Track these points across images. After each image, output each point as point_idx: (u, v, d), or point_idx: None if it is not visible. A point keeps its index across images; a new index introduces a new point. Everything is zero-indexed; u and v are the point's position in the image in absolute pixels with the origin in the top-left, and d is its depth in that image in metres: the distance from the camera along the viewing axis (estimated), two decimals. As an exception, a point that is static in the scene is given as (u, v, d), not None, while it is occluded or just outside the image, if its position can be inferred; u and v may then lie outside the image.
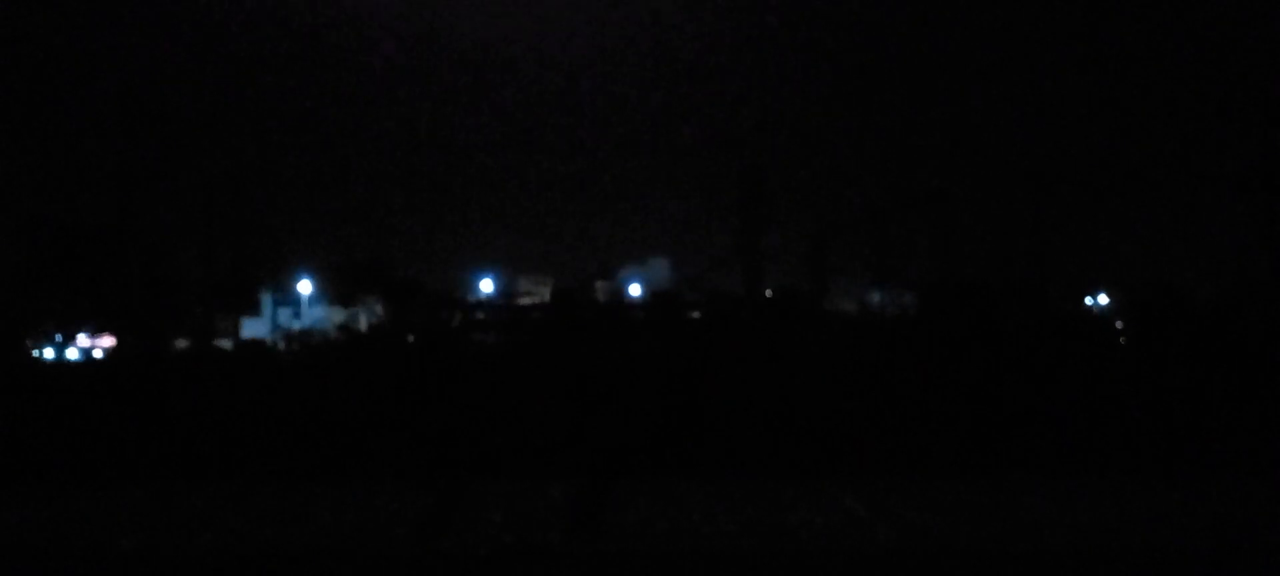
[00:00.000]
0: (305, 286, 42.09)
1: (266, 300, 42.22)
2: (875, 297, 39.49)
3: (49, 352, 39.30)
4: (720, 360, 30.40)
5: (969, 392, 28.49)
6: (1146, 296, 35.65)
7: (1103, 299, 39.47)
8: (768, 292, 41.46)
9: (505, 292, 43.85)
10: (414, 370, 30.92)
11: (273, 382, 32.86)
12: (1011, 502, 22.49)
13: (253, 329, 41.55)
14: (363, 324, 39.25)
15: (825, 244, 40.57)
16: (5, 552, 19.34)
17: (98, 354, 39.75)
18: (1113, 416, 27.60)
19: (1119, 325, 37.01)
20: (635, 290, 43.27)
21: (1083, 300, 39.06)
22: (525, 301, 42.86)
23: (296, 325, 40.85)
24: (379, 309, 39.29)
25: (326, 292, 42.18)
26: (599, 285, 43.89)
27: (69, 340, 39.73)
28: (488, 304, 42.17)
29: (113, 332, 39.41)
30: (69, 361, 39.38)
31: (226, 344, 40.33)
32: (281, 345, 39.25)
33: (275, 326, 41.39)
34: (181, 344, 38.84)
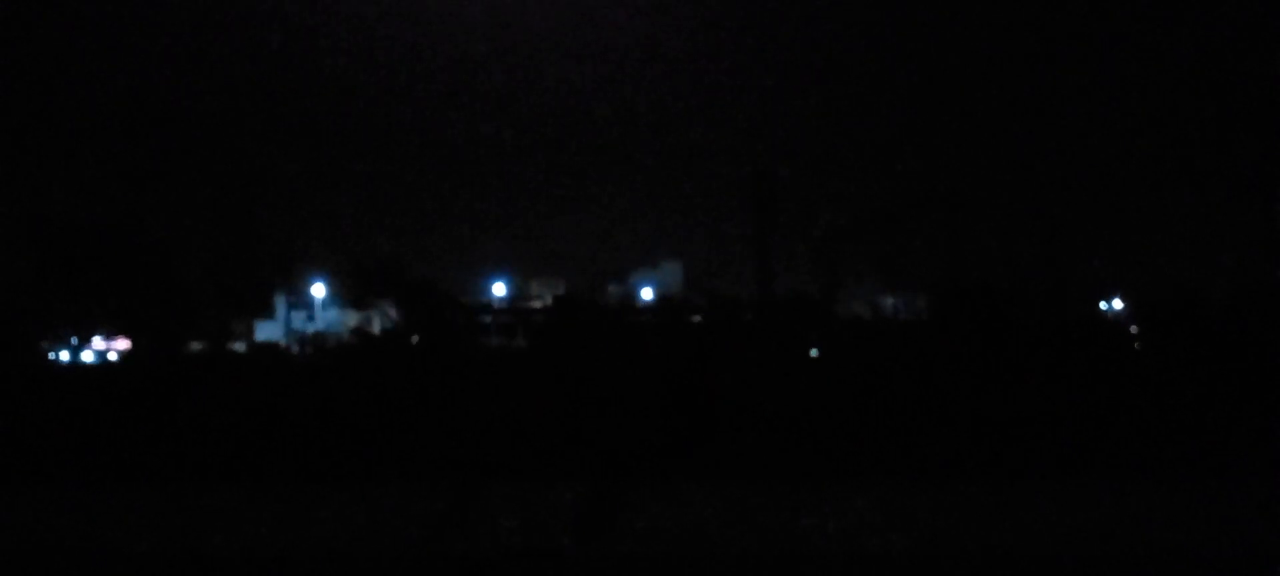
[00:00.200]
0: (319, 289, 42.15)
1: (280, 303, 42.29)
2: (887, 301, 39.36)
3: (64, 355, 39.51)
4: (720, 363, 30.36)
5: (982, 397, 28.39)
6: (1161, 300, 35.47)
7: (1117, 303, 39.30)
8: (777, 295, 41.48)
9: (517, 296, 43.89)
10: (424, 373, 31.00)
11: (286, 385, 32.96)
12: (1025, 506, 22.41)
13: (266, 332, 41.63)
14: (376, 327, 39.31)
15: (837, 247, 40.49)
16: (21, 552, 19.48)
17: (112, 356, 39.92)
18: (1127, 420, 27.47)
19: (1134, 329, 36.83)
20: (647, 293, 43.26)
21: (1097, 304, 38.88)
22: (535, 304, 42.90)
23: (310, 328, 40.91)
24: (392, 312, 39.39)
25: (340, 296, 42.25)
26: (611, 289, 43.91)
27: (84, 342, 39.92)
28: (489, 307, 42.20)
29: (127, 335, 39.58)
30: (84, 364, 39.57)
31: (240, 347, 40.43)
32: (295, 348, 39.34)
33: (289, 329, 41.45)
34: (195, 346, 38.96)
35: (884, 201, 39.69)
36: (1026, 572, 17.32)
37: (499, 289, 42.93)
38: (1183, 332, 32.57)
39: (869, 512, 21.90)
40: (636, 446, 26.11)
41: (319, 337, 39.22)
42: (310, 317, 41.78)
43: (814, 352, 35.37)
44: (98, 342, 40.04)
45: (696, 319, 37.85)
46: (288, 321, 41.92)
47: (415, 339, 35.80)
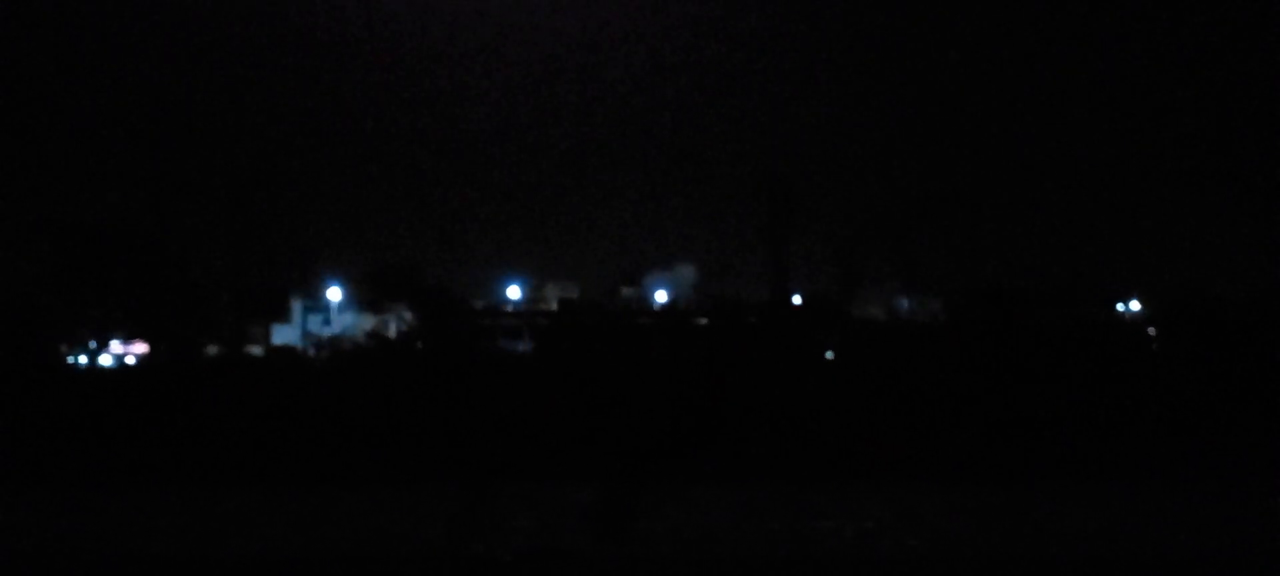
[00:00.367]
0: (335, 293, 42.39)
1: (297, 307, 42.56)
2: (903, 303, 39.30)
3: (83, 359, 39.77)
4: (735, 365, 30.32)
5: (998, 399, 28.33)
6: (1179, 302, 35.29)
7: (1134, 305, 39.11)
8: (796, 299, 41.41)
9: (532, 299, 43.96)
10: (434, 376, 31.08)
11: (302, 388, 33.11)
12: (1041, 509, 22.34)
13: (283, 335, 41.89)
14: (392, 331, 39.49)
15: (853, 249, 40.42)
16: (41, 553, 19.60)
17: (130, 360, 40.19)
18: (1145, 422, 27.36)
19: (1151, 331, 36.66)
20: (661, 296, 43.30)
21: (1114, 306, 38.71)
22: (543, 308, 42.94)
23: (327, 332, 41.12)
24: (408, 315, 39.53)
25: (356, 300, 42.46)
26: (625, 291, 43.95)
27: (103, 346, 40.19)
28: (496, 311, 42.22)
29: (145, 339, 39.84)
30: (103, 367, 39.82)
31: (258, 350, 40.66)
32: (312, 351, 39.53)
33: (306, 333, 41.70)
34: (213, 350, 39.18)
35: (900, 204, 39.62)
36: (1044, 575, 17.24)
37: (514, 292, 42.99)
38: (1201, 334, 32.40)
39: (884, 514, 21.87)
40: (647, 448, 26.11)
41: (335, 341, 39.37)
42: (326, 321, 41.98)
43: (830, 354, 35.35)
44: (116, 346, 40.29)
45: (702, 321, 37.89)
46: (304, 325, 42.11)
47: (419, 343, 35.86)
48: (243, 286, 39.63)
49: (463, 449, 27.30)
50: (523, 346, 38.18)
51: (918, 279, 38.42)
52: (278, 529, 21.42)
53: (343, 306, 42.36)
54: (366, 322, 40.27)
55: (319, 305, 42.65)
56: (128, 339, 40.15)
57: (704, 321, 37.90)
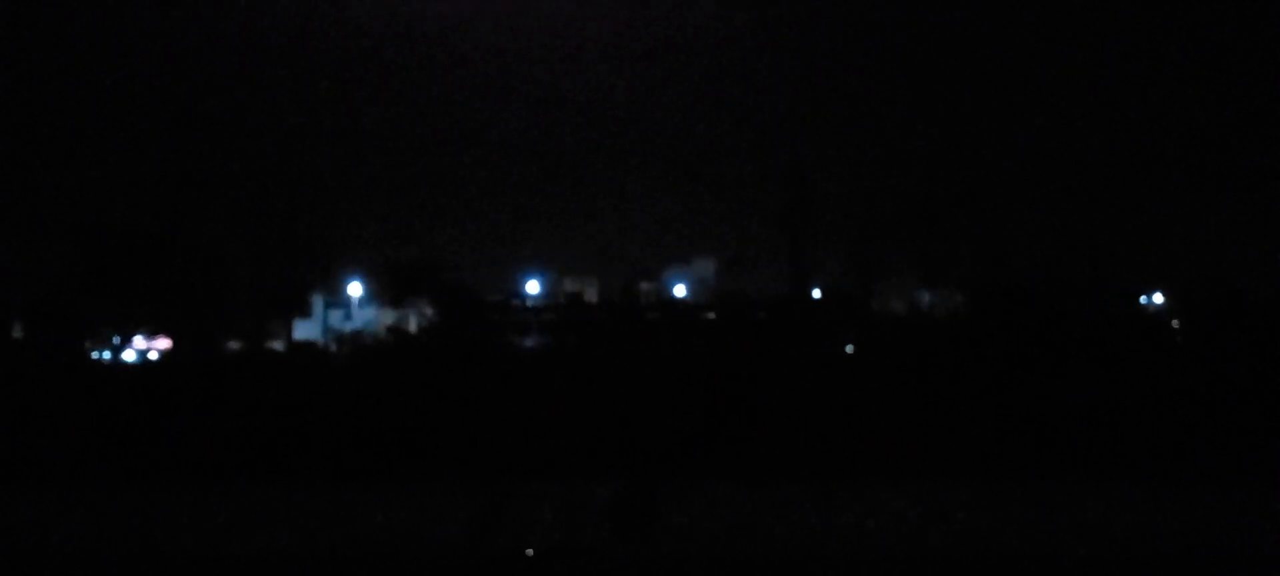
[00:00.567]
0: (355, 288, 42.45)
1: (317, 302, 42.64)
2: (924, 297, 39.02)
3: (107, 354, 40.01)
4: (743, 361, 30.17)
5: (1021, 394, 28.06)
6: (1203, 295, 34.92)
7: (1157, 298, 38.75)
8: (816, 292, 41.25)
9: (551, 294, 43.95)
10: (449, 372, 31.04)
11: (323, 384, 33.16)
12: (1065, 506, 22.14)
13: (304, 331, 41.98)
14: (413, 326, 39.50)
15: (873, 243, 40.18)
16: (66, 550, 19.74)
17: (153, 355, 40.39)
18: (1169, 418, 27.04)
19: (1175, 325, 36.30)
20: (680, 290, 43.20)
21: (1137, 299, 38.35)
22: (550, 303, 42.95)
23: (347, 327, 41.18)
24: (428, 310, 39.57)
25: (377, 295, 42.52)
26: (644, 286, 43.86)
27: (126, 342, 40.42)
28: (506, 305, 42.21)
29: (168, 335, 40.02)
30: (125, 363, 40.05)
31: (278, 346, 40.77)
32: (332, 347, 39.60)
33: (326, 328, 41.77)
34: (234, 345, 39.32)
35: (921, 197, 39.34)
36: (1069, 573, 17.11)
37: (533, 287, 43.01)
38: (1226, 327, 32.06)
39: (907, 510, 21.72)
40: (666, 444, 26.02)
41: (356, 336, 39.44)
42: (347, 316, 42.06)
43: (850, 348, 35.16)
44: (139, 342, 40.52)
45: (709, 315, 37.77)
46: (325, 320, 42.22)
47: (439, 339, 35.88)
48: (263, 282, 39.78)
49: (482, 445, 27.28)
50: (531, 342, 38.13)
51: (939, 272, 38.17)
52: (298, 524, 21.49)
53: (363, 302, 42.44)
54: (387, 318, 40.32)
55: (339, 300, 42.76)
56: (150, 334, 40.37)
57: (711, 315, 37.81)
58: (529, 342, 37.72)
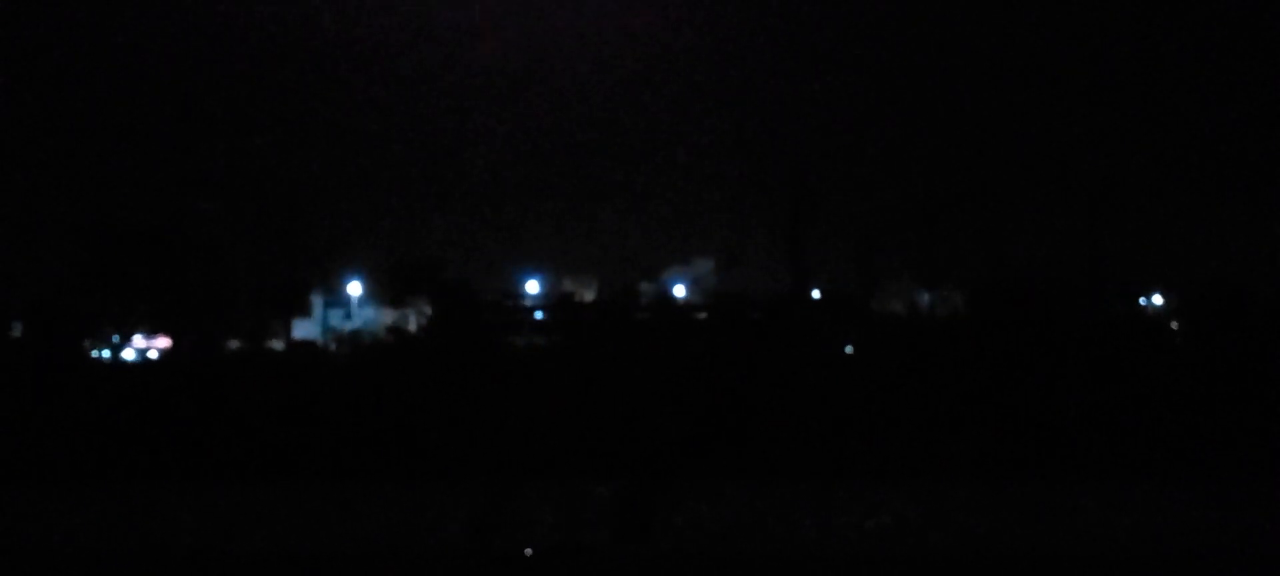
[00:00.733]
0: (355, 288, 42.46)
1: (317, 301, 42.64)
2: (924, 297, 39.04)
3: (106, 353, 40.00)
4: (743, 362, 30.19)
5: (1020, 394, 28.08)
6: (1204, 296, 34.95)
7: (1157, 299, 38.78)
8: (815, 292, 41.27)
9: (548, 294, 43.99)
10: (448, 371, 31.05)
11: (323, 384, 33.16)
12: (1065, 506, 22.15)
13: (303, 330, 41.97)
14: (412, 325, 39.52)
15: (873, 243, 40.19)
16: (66, 550, 19.73)
17: (153, 354, 40.39)
18: (1169, 419, 27.06)
19: (1175, 325, 36.33)
20: (680, 291, 43.22)
21: (1137, 300, 38.38)
22: (573, 299, 42.98)
23: (347, 326, 41.19)
24: (428, 310, 39.59)
25: (377, 294, 42.54)
26: (644, 286, 43.90)
27: (125, 341, 40.42)
28: (499, 304, 42.24)
29: (168, 334, 40.03)
30: (125, 362, 40.04)
31: (278, 345, 40.76)
32: (332, 346, 39.60)
33: (326, 328, 41.78)
34: (234, 344, 39.32)
35: (921, 197, 39.38)
36: (1070, 573, 17.12)
37: (532, 286, 43.01)
38: (1226, 329, 32.09)
39: (907, 510, 21.74)
40: (666, 444, 26.02)
41: (355, 336, 39.46)
42: (347, 316, 42.06)
43: (850, 349, 35.17)
44: (139, 341, 40.52)
45: (701, 315, 37.82)
46: (324, 319, 42.23)
47: (423, 336, 35.89)
48: (263, 281, 39.80)
49: (481, 445, 27.28)
50: (521, 341, 38.12)
51: (939, 272, 38.20)
52: (298, 524, 21.49)
53: (363, 301, 42.45)
54: (387, 317, 40.34)
55: (339, 300, 42.76)
56: (150, 334, 40.37)
57: (703, 316, 37.88)
58: (524, 342, 37.75)
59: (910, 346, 32.07)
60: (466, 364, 32.09)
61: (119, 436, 29.40)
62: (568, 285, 43.70)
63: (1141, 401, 27.80)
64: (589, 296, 42.41)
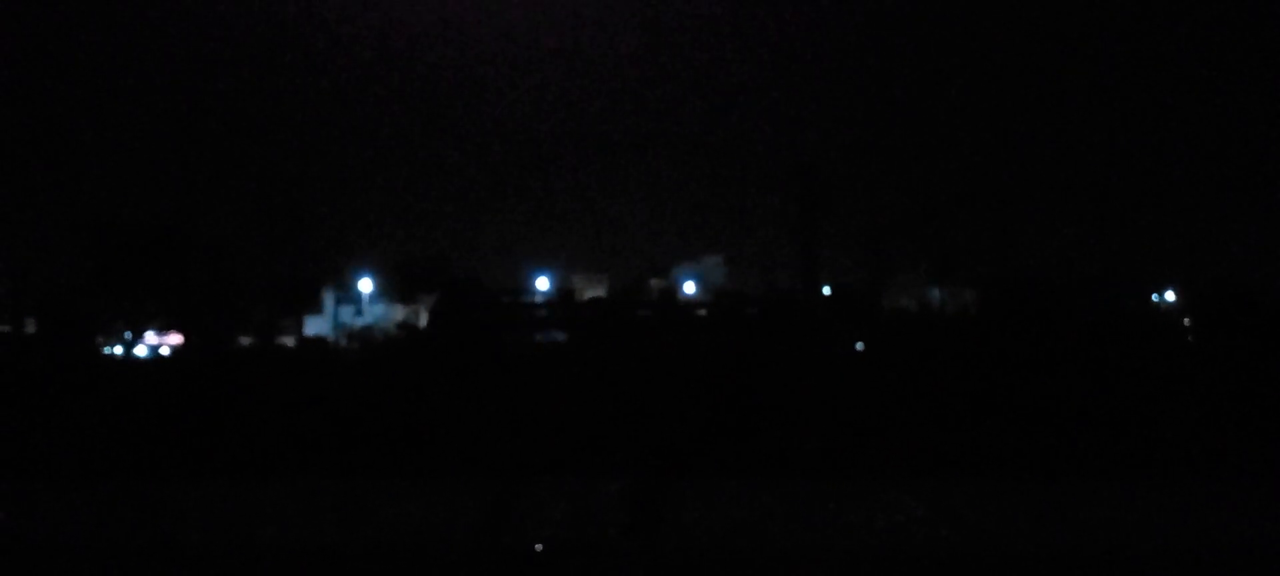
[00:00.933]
0: (366, 284, 42.62)
1: (328, 298, 42.83)
2: (935, 295, 38.99)
3: (119, 350, 40.22)
4: (740, 359, 30.21)
5: (1032, 391, 28.02)
6: (1214, 292, 34.83)
7: (1169, 295, 38.63)
8: (826, 289, 41.24)
9: (560, 290, 44.09)
10: (467, 367, 31.08)
11: (334, 380, 33.25)
12: (1076, 503, 22.10)
13: (315, 326, 42.16)
14: (422, 322, 39.64)
15: (885, 240, 40.14)
16: (79, 544, 19.82)
17: (165, 351, 40.61)
18: (1179, 417, 26.98)
19: (1186, 322, 36.22)
20: (690, 287, 43.28)
21: (1149, 297, 38.24)
22: (586, 297, 43.07)
23: (358, 323, 41.36)
24: (430, 306, 39.68)
25: (387, 291, 42.68)
26: (653, 283, 43.95)
27: (138, 338, 40.63)
28: (497, 301, 42.34)
29: (179, 330, 40.23)
30: (138, 358, 40.27)
31: (289, 341, 40.94)
32: (343, 342, 39.78)
33: (337, 324, 41.95)
34: (245, 341, 39.51)
35: (932, 194, 39.32)
36: (1078, 571, 17.05)
37: (542, 283, 43.08)
38: (1237, 325, 31.96)
39: (917, 507, 21.69)
40: (676, 441, 26.03)
41: (365, 332, 39.59)
42: (358, 312, 42.22)
43: (860, 346, 35.15)
44: (151, 337, 40.72)
45: (701, 312, 37.83)
46: (335, 316, 42.38)
47: (431, 331, 35.92)
48: (275, 278, 39.95)
49: (494, 441, 27.34)
50: (538, 336, 38.16)
51: (950, 269, 38.13)
52: (310, 519, 21.54)
53: (374, 297, 42.59)
54: (398, 314, 40.47)
55: (350, 296, 42.90)
56: (162, 330, 40.57)
57: (702, 312, 37.93)
58: (542, 337, 37.80)
59: (921, 343, 32.03)
60: (474, 360, 32.14)
61: (131, 432, 29.53)
62: (578, 282, 43.77)
63: (1154, 399, 27.71)
64: (600, 293, 42.43)
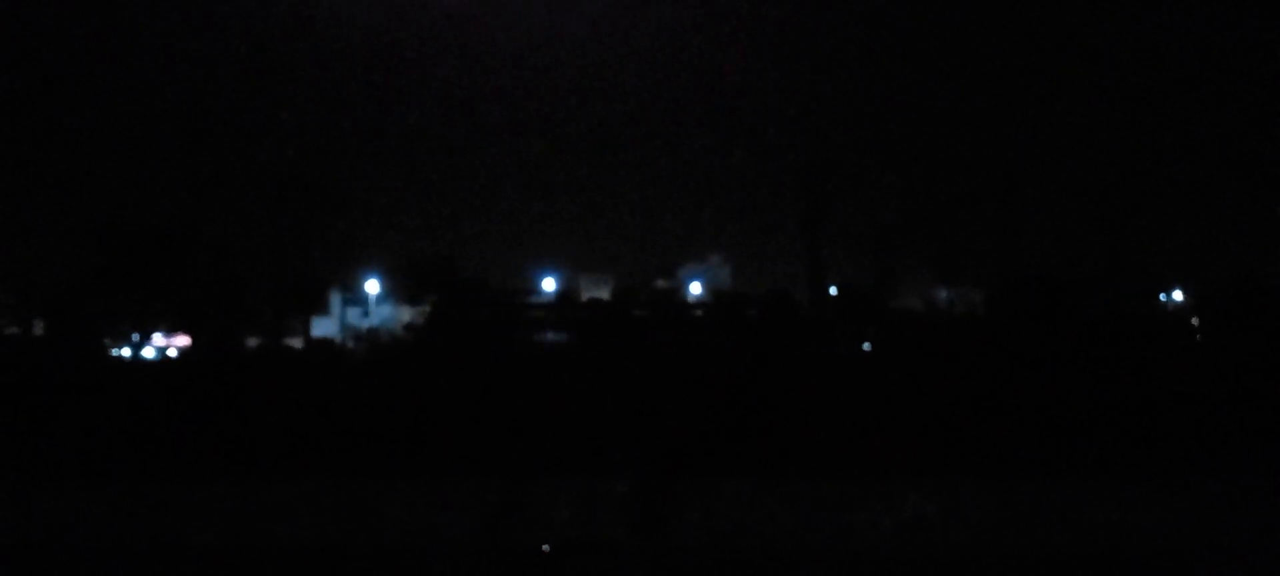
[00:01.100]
0: (373, 286, 42.60)
1: (335, 299, 42.81)
2: (942, 295, 38.89)
3: (126, 351, 40.26)
4: (745, 359, 30.18)
5: (1039, 392, 27.92)
6: (1223, 291, 34.69)
7: (1177, 295, 38.51)
8: (832, 289, 41.19)
9: (566, 292, 44.09)
10: (471, 369, 31.11)
11: (341, 381, 33.28)
12: (1083, 503, 22.01)
13: (322, 328, 42.14)
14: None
15: (891, 240, 40.06)
16: (87, 544, 19.86)
17: (172, 353, 40.64)
18: (1188, 417, 26.86)
19: (1195, 321, 36.08)
20: (696, 288, 43.24)
21: (1157, 296, 38.12)
22: (589, 297, 43.09)
23: (365, 324, 41.33)
24: (441, 305, 39.67)
25: (394, 292, 42.67)
26: (659, 284, 43.92)
27: (145, 339, 40.67)
28: (497, 301, 42.35)
29: (186, 332, 40.27)
30: (145, 360, 40.30)
31: (297, 343, 40.94)
32: (350, 344, 39.76)
33: (344, 325, 41.94)
34: (253, 342, 39.51)
35: (939, 194, 39.25)
36: (1092, 573, 17.00)
37: (548, 284, 43.08)
38: (1247, 324, 31.84)
39: (924, 507, 21.63)
40: (682, 441, 26.00)
41: (373, 333, 39.58)
42: (365, 313, 42.21)
43: (867, 346, 35.08)
44: (158, 339, 40.76)
45: (698, 313, 37.82)
46: (343, 317, 42.38)
47: (434, 330, 35.93)
48: (281, 279, 39.96)
49: (498, 442, 27.33)
50: (547, 336, 38.15)
51: (957, 269, 38.06)
52: (317, 520, 21.56)
53: (381, 298, 42.58)
54: (405, 315, 40.46)
55: (357, 297, 42.91)
56: (169, 332, 40.62)
57: (698, 313, 37.96)
58: (552, 337, 37.81)
59: (928, 343, 31.96)
60: (477, 361, 32.17)
61: (138, 433, 29.59)
62: (584, 283, 43.75)
63: (1163, 399, 27.60)
64: (602, 294, 42.45)
